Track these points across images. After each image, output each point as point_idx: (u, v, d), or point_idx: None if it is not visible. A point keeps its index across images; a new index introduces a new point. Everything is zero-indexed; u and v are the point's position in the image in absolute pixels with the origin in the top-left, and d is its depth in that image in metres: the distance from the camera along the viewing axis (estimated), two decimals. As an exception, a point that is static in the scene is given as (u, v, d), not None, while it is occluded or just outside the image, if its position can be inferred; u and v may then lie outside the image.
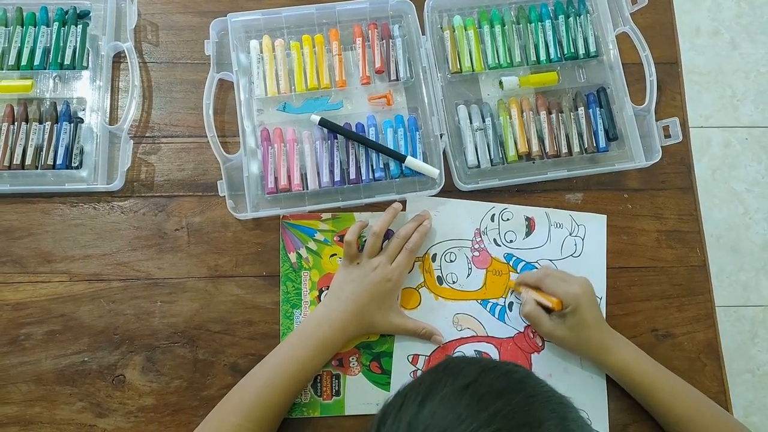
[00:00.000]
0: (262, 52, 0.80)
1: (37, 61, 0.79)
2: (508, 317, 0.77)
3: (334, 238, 0.78)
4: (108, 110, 0.79)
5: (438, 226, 0.79)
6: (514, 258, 0.79)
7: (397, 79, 0.81)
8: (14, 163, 0.75)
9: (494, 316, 0.77)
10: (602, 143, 0.81)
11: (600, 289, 0.78)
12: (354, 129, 0.79)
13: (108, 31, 0.81)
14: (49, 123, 0.76)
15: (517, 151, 0.80)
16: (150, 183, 0.79)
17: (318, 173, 0.78)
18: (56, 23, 0.79)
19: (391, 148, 0.78)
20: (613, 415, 0.75)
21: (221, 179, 0.76)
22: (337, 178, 0.77)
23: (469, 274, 0.78)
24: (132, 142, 0.78)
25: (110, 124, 0.79)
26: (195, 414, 0.72)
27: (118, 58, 0.82)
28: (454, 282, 0.78)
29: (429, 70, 0.81)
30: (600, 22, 0.85)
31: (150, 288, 0.75)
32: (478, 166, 0.80)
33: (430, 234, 0.78)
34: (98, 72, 0.80)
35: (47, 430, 0.71)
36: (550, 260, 0.79)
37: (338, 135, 0.78)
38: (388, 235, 0.77)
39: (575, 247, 0.79)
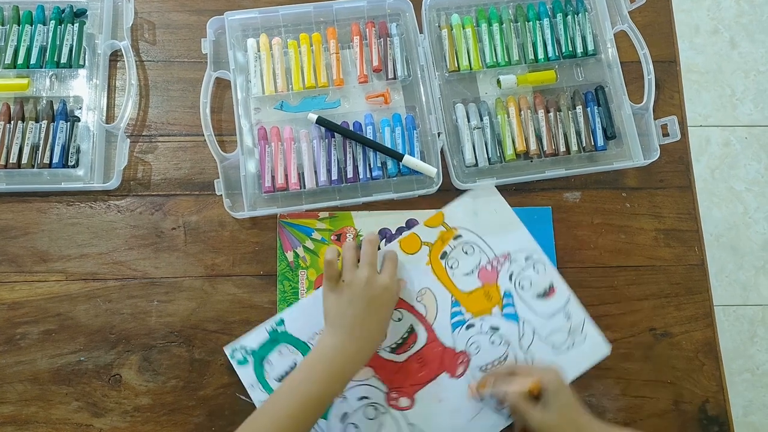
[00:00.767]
0: (259, 51, 0.80)
1: (33, 60, 0.78)
2: (459, 333, 0.75)
3: (332, 237, 0.78)
4: (105, 109, 0.79)
5: (488, 222, 0.78)
6: (511, 301, 0.76)
7: (395, 78, 0.81)
8: (10, 161, 0.75)
9: (452, 329, 0.75)
10: (600, 142, 0.81)
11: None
12: (351, 127, 0.79)
13: (105, 29, 0.81)
14: (45, 122, 0.76)
15: (515, 149, 0.80)
16: (147, 182, 0.78)
17: (315, 172, 0.77)
18: (53, 21, 0.79)
19: (389, 146, 0.78)
20: (611, 416, 0.75)
21: (218, 178, 0.76)
22: (334, 176, 0.77)
23: (467, 274, 0.77)
24: (129, 140, 0.78)
25: (107, 123, 0.78)
26: (191, 414, 0.72)
27: (115, 57, 0.82)
28: (452, 267, 0.77)
29: (427, 69, 0.80)
30: (598, 20, 0.84)
31: (146, 287, 0.75)
32: (476, 164, 0.79)
33: (474, 217, 0.78)
34: (95, 70, 0.80)
35: (43, 430, 0.71)
36: (534, 330, 0.76)
37: (335, 134, 0.78)
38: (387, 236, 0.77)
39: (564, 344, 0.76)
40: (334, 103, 0.81)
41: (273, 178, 0.77)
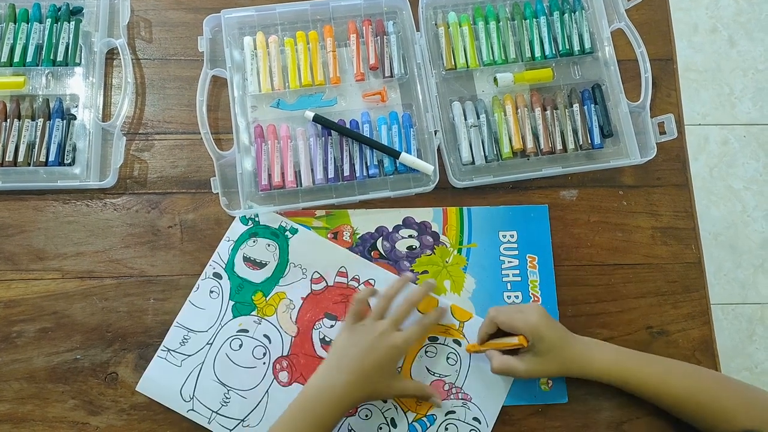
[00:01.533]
0: (255, 49, 0.80)
1: (29, 58, 0.78)
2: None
3: (328, 235, 0.78)
4: (101, 107, 0.79)
5: None
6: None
7: (392, 76, 0.81)
8: (6, 160, 0.75)
9: None
10: (597, 140, 0.81)
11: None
12: (348, 125, 0.79)
13: (101, 27, 0.80)
14: (41, 120, 0.76)
15: (511, 147, 0.80)
16: (143, 180, 0.78)
17: (312, 170, 0.77)
18: (49, 20, 0.79)
19: (386, 144, 0.78)
20: (608, 413, 0.74)
21: (215, 176, 0.75)
22: (331, 174, 0.77)
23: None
24: (125, 138, 0.78)
25: (103, 121, 0.78)
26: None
27: (111, 55, 0.82)
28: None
29: (423, 67, 0.80)
30: (595, 18, 0.84)
31: (143, 285, 0.75)
32: (473, 162, 0.79)
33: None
34: (91, 69, 0.79)
35: (39, 428, 0.71)
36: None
37: (332, 132, 0.78)
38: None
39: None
40: (331, 101, 0.81)
41: (269, 176, 0.77)
